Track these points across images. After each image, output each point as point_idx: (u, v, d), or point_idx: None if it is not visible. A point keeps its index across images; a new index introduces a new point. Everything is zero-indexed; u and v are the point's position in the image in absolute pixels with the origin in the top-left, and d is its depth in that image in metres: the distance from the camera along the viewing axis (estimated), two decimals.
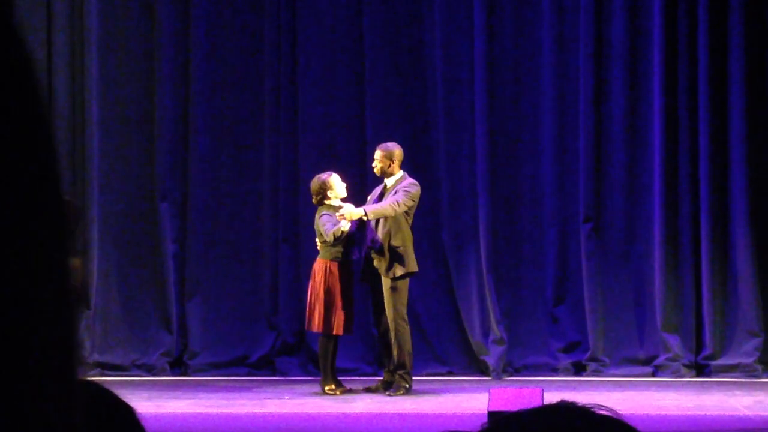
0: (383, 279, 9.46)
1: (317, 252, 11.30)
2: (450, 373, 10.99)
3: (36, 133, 0.80)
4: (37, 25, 11.36)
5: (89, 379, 1.44)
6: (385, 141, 11.18)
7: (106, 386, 1.47)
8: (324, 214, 9.54)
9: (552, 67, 11.05)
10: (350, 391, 9.59)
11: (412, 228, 9.71)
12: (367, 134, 11.20)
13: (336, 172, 11.27)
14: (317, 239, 9.70)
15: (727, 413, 8.48)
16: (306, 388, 10.00)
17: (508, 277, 11.06)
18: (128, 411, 1.45)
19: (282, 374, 10.94)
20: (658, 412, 8.50)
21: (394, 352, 9.45)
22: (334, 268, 9.47)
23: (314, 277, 9.55)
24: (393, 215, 9.44)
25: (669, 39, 10.80)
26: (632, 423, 1.20)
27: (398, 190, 9.51)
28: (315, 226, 9.70)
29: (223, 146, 11.38)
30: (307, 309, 9.56)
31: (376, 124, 11.21)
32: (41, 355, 0.80)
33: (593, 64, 10.93)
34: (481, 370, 10.93)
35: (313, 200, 9.73)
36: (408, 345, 9.47)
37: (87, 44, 11.32)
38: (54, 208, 0.82)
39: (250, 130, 11.35)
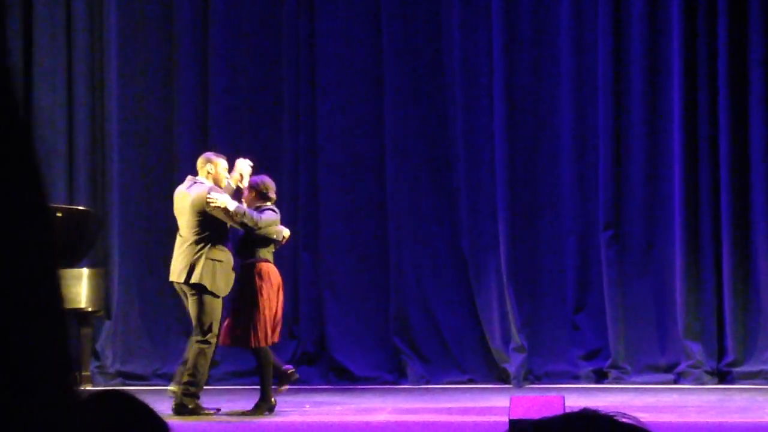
0: None
1: (338, 260, 11.32)
2: (470, 381, 10.97)
3: (13, 143, 0.80)
4: (57, 36, 11.41)
5: (124, 391, 1.45)
6: (404, 151, 11.22)
7: (142, 400, 1.47)
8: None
9: (571, 75, 11.04)
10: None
11: None
12: (386, 143, 11.21)
13: (354, 183, 11.29)
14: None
15: (750, 420, 8.43)
16: (326, 397, 9.99)
17: (528, 285, 11.04)
18: (162, 428, 1.46)
19: (302, 383, 10.93)
20: (681, 420, 8.46)
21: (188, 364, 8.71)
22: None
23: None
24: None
25: (688, 47, 10.77)
26: (654, 431, 1.19)
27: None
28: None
29: (241, 155, 11.38)
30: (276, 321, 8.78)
31: (395, 133, 11.21)
32: (32, 361, 0.80)
33: (612, 72, 10.90)
34: (502, 378, 10.90)
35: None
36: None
37: (107, 56, 11.37)
38: (38, 217, 0.82)
39: (269, 140, 11.37)
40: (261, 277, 8.64)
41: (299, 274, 11.21)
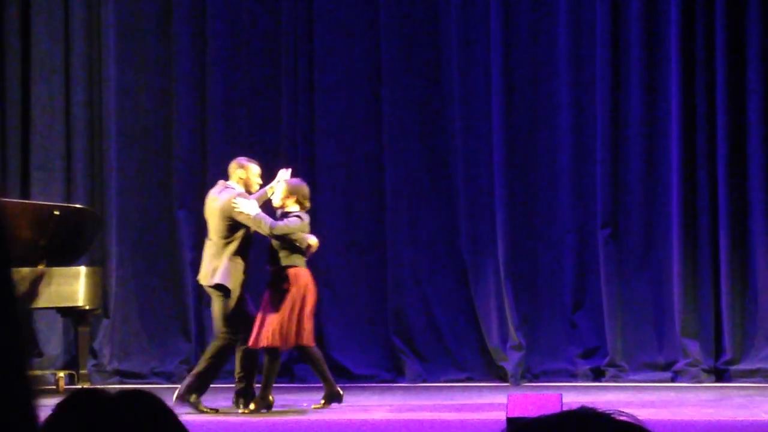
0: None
1: (336, 259, 11.32)
2: (468, 379, 10.98)
3: None
4: (55, 33, 11.41)
5: (149, 391, 1.46)
6: (402, 150, 11.22)
7: (163, 401, 1.48)
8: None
9: (569, 73, 11.04)
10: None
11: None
12: (384, 142, 11.21)
13: (352, 182, 11.29)
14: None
15: (747, 418, 8.44)
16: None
17: (526, 283, 11.04)
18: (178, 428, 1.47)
19: (300, 381, 10.95)
20: (678, 418, 8.47)
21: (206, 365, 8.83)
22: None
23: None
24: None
25: (686, 45, 10.78)
26: (652, 429, 1.20)
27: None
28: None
29: (239, 154, 11.37)
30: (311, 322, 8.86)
31: (393, 131, 11.21)
32: None
33: (610, 70, 10.91)
34: (500, 376, 10.91)
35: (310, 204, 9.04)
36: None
37: (105, 55, 11.37)
38: None
39: (266, 139, 11.37)
40: (288, 282, 8.68)
41: None
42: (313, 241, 8.84)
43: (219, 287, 8.77)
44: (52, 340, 11.28)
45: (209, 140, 11.37)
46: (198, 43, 11.39)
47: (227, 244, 8.79)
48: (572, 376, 10.89)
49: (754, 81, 10.68)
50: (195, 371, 8.90)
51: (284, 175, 9.04)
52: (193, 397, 8.76)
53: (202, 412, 8.74)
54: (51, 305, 10.19)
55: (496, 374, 10.95)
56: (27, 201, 10.74)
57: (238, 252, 8.79)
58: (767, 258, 10.64)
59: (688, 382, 10.57)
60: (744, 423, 8.28)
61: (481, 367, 11.03)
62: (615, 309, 10.82)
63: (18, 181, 11.39)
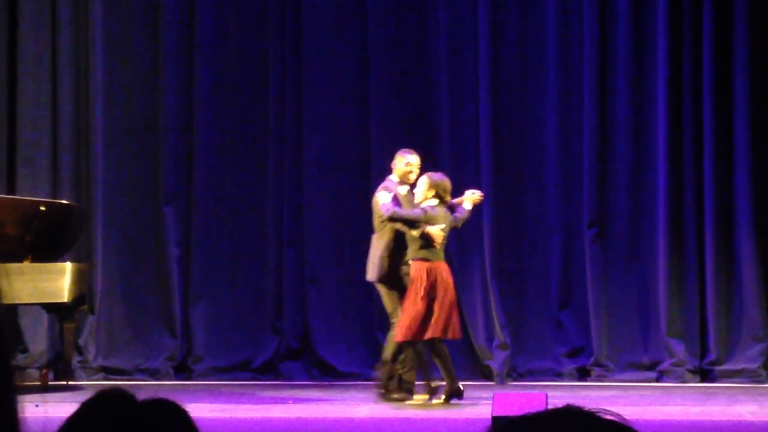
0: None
1: (320, 257, 11.32)
2: None
3: None
4: (42, 31, 11.38)
5: (170, 400, 1.47)
6: (389, 148, 11.21)
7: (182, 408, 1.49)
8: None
9: (556, 73, 11.05)
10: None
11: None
12: (371, 142, 11.20)
13: (339, 178, 11.30)
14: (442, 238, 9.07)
15: (731, 419, 8.47)
16: (310, 392, 9.99)
17: (512, 282, 11.05)
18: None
19: (286, 379, 10.95)
20: (663, 417, 8.49)
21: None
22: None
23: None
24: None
25: (673, 45, 10.80)
26: (637, 428, 1.20)
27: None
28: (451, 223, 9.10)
29: (226, 151, 11.39)
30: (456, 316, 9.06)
31: (380, 131, 11.21)
32: None
33: (597, 70, 10.92)
34: (485, 375, 10.92)
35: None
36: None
37: (92, 50, 11.35)
38: None
39: (254, 135, 11.36)
40: (417, 275, 8.85)
41: (283, 269, 11.20)
42: (432, 230, 8.86)
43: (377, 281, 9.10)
44: (37, 336, 11.25)
45: (196, 137, 11.35)
46: (185, 40, 11.37)
47: (380, 237, 9.09)
48: (558, 376, 10.91)
49: (740, 80, 10.71)
50: (384, 371, 9.16)
51: (473, 195, 9.15)
52: (396, 393, 9.05)
53: (404, 400, 9.04)
54: (36, 301, 10.16)
55: (481, 373, 10.95)
56: (13, 197, 10.71)
57: (392, 245, 9.01)
58: (752, 258, 10.68)
59: (673, 382, 10.60)
60: (728, 423, 8.31)
61: (467, 365, 11.02)
62: (601, 308, 10.84)
63: (4, 177, 11.36)
